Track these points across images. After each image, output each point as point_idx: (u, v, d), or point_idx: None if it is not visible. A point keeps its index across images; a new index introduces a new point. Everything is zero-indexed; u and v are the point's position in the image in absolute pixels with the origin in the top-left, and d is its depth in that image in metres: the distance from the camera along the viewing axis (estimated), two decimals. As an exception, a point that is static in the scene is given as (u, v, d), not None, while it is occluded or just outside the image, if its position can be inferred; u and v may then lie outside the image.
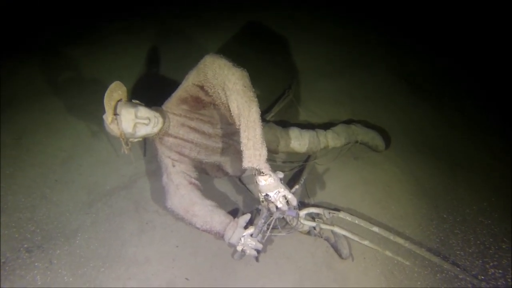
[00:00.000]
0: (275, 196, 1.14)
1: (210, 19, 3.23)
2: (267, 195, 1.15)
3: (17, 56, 2.70)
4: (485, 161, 2.04)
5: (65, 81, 2.46)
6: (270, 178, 1.13)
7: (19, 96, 2.32)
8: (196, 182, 1.46)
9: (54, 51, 2.74)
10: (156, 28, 3.08)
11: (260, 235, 1.27)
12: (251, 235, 1.28)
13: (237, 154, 1.49)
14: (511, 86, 2.53)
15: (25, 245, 1.53)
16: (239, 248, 1.28)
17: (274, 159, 1.88)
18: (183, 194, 1.38)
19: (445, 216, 1.71)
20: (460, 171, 1.96)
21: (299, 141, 1.72)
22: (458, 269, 1.48)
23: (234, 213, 1.67)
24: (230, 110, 1.21)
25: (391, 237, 1.49)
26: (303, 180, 1.65)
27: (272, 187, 1.13)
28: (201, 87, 1.32)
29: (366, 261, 1.52)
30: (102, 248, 1.53)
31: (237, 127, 1.19)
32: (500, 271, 1.49)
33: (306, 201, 1.72)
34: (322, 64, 2.73)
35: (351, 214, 1.52)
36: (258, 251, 1.29)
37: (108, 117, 1.25)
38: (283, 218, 1.43)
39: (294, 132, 1.73)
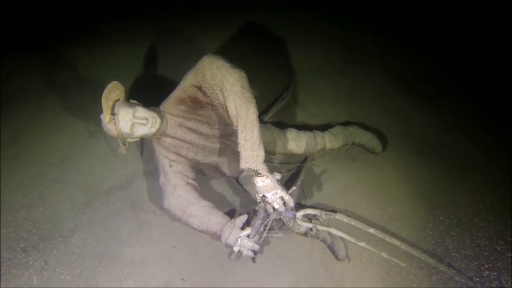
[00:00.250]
0: (272, 197, 1.15)
1: (210, 19, 3.23)
2: (264, 196, 1.15)
3: (16, 55, 2.70)
4: (482, 163, 2.04)
5: (63, 80, 2.46)
6: (267, 179, 1.13)
7: (18, 95, 2.32)
8: (193, 182, 1.46)
9: (54, 51, 2.74)
10: (155, 28, 3.08)
11: (257, 236, 1.28)
12: (248, 236, 1.28)
13: (235, 155, 1.49)
14: (508, 87, 2.54)
15: (22, 245, 1.53)
16: (236, 249, 1.28)
17: (271, 160, 1.88)
18: (180, 194, 1.38)
19: (441, 218, 1.72)
20: (457, 173, 1.96)
21: (296, 142, 1.72)
22: (454, 271, 1.49)
23: (231, 214, 1.67)
24: (228, 111, 1.21)
25: (388, 238, 1.49)
26: (300, 181, 1.65)
27: (269, 188, 1.14)
28: (199, 88, 1.32)
29: (362, 262, 1.53)
30: (99, 248, 1.53)
31: (234, 128, 1.19)
32: (495, 273, 1.50)
33: (303, 202, 1.73)
34: (321, 65, 2.74)
35: (348, 216, 1.52)
36: (254, 252, 1.29)
37: (105, 117, 1.25)
38: (280, 219, 1.43)
39: (291, 133, 1.73)
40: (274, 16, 3.27)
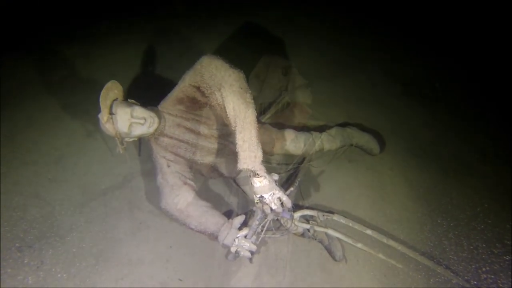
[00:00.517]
0: (270, 198, 1.14)
1: (209, 19, 3.24)
2: (261, 196, 1.15)
3: (16, 55, 2.69)
4: (480, 166, 2.05)
5: (62, 80, 2.45)
6: (265, 180, 1.13)
7: (16, 94, 2.31)
8: (191, 182, 1.45)
9: (53, 51, 2.73)
10: (155, 28, 3.08)
11: (254, 237, 1.28)
12: (245, 236, 1.28)
13: (233, 155, 1.49)
14: (506, 90, 2.55)
15: (17, 244, 1.52)
16: (233, 249, 1.28)
17: (269, 161, 1.88)
18: (177, 194, 1.38)
19: (439, 220, 1.72)
20: (455, 175, 1.97)
21: (294, 143, 1.72)
22: (451, 273, 1.49)
23: (229, 214, 1.67)
24: (226, 111, 1.21)
25: (385, 240, 1.49)
26: (298, 182, 1.65)
27: (267, 189, 1.13)
28: (198, 88, 1.32)
29: (359, 263, 1.53)
30: (96, 248, 1.52)
31: (232, 128, 1.19)
32: (492, 276, 1.50)
33: (300, 203, 1.72)
34: (319, 66, 2.74)
35: (345, 217, 1.52)
36: (252, 253, 1.29)
37: (103, 116, 1.25)
38: (277, 220, 1.43)
39: (289, 134, 1.73)
40: (273, 17, 3.28)
